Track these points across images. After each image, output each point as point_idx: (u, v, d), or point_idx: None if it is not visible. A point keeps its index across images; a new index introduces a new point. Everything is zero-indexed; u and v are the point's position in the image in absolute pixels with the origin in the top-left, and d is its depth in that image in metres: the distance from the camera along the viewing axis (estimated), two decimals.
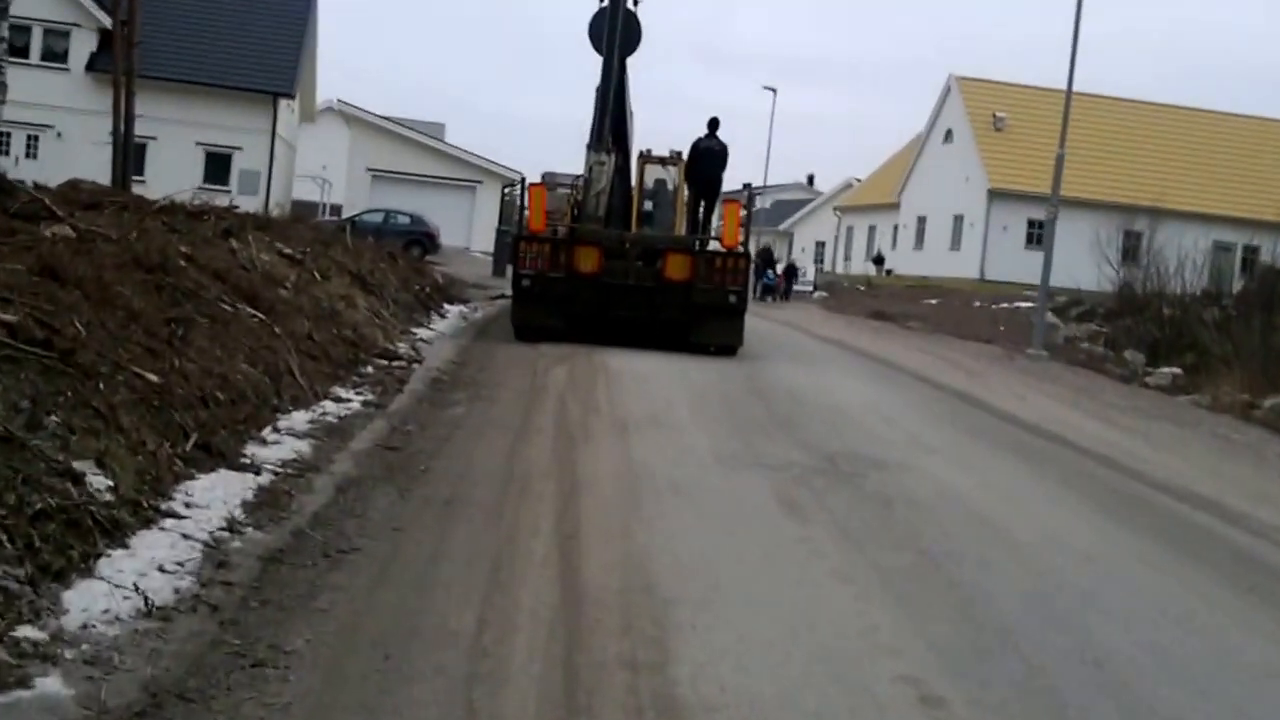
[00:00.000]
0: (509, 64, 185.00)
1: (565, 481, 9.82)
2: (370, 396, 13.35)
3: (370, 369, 15.17)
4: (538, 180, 24.20)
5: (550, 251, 20.54)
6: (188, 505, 7.85)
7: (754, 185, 58.50)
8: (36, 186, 22.74)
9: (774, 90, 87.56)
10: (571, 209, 23.14)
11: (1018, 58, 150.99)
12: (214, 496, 8.12)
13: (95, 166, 35.42)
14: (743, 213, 22.31)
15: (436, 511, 8.67)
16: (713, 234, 23.37)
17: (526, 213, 21.50)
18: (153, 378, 9.15)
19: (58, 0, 51.14)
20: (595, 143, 21.76)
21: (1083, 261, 54.50)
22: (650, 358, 19.39)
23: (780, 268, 56.70)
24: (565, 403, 14.13)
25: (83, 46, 51.26)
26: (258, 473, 8.98)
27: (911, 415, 15.42)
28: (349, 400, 12.92)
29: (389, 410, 12.72)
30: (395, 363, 16.16)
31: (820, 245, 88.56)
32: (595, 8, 22.28)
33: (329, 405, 12.35)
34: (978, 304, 44.08)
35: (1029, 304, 42.42)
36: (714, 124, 23.61)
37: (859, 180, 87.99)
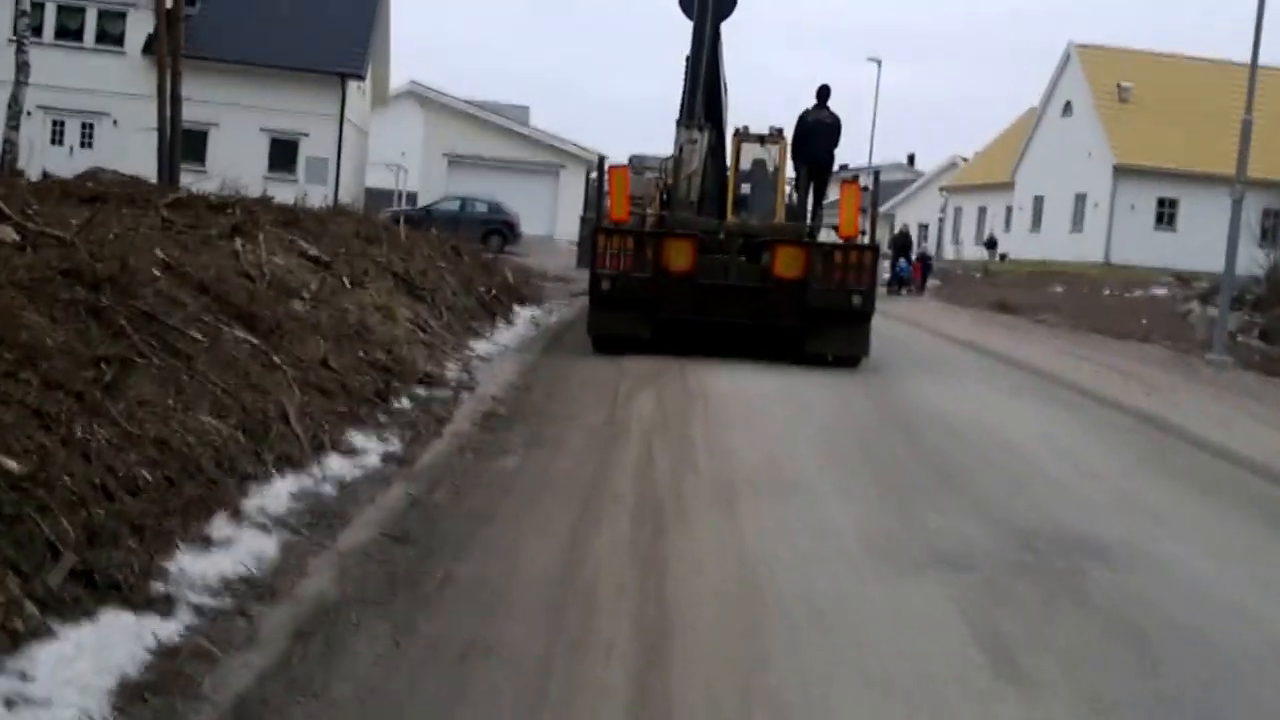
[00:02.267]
0: (601, 43, 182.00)
1: (647, 607, 6.59)
2: (395, 445, 10.29)
3: (404, 402, 12.11)
4: (622, 163, 21.17)
5: (634, 246, 17.43)
6: (9, 705, 4.75)
7: (852, 166, 55.43)
8: (45, 175, 20.00)
9: (878, 61, 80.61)
10: (660, 195, 20.19)
11: (1132, 24, 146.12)
12: (70, 676, 5.04)
13: (152, 155, 32.46)
14: (864, 197, 19.16)
15: (443, 677, 5.54)
16: (824, 222, 20.63)
17: (606, 200, 18.48)
18: (11, 465, 6.07)
19: None
20: (686, 118, 18.89)
21: (1224, 242, 51.23)
22: (756, 374, 16.26)
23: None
24: (651, 447, 10.94)
25: (140, 28, 48.23)
26: (169, 614, 5.87)
27: (1104, 456, 12.06)
28: (364, 452, 9.84)
29: (416, 466, 9.65)
30: (439, 391, 13.10)
31: (923, 228, 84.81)
32: None
33: (333, 463, 9.26)
34: (1108, 292, 40.59)
35: (1164, 291, 39.10)
36: (824, 93, 20.65)
37: (965, 159, 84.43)
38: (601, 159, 19.42)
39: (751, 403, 13.81)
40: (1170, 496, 10.40)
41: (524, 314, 22.77)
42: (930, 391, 15.76)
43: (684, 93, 19.17)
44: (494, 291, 22.46)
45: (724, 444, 11.26)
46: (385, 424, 11.00)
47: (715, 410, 13.17)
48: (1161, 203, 55.05)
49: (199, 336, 9.90)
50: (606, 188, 18.59)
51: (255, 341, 10.91)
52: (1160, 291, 39.36)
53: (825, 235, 19.75)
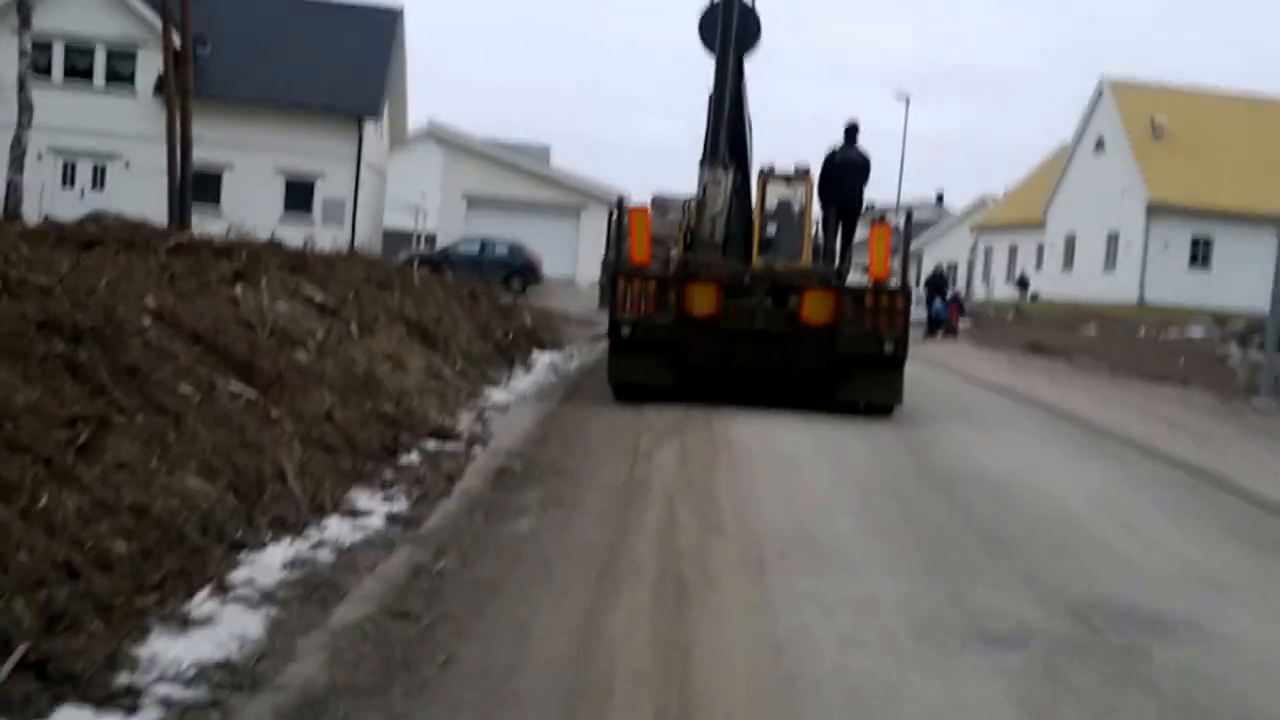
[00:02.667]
0: (625, 82, 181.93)
1: (669, 703, 5.98)
2: (401, 505, 9.71)
3: (414, 457, 11.56)
4: (643, 204, 20.63)
5: (656, 291, 16.87)
6: None
7: (879, 206, 54.25)
8: (45, 219, 19.58)
9: (907, 98, 78.10)
10: (684, 236, 19.64)
11: (1164, 61, 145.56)
12: None
13: (165, 198, 33.43)
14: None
15: None
16: (851, 264, 20.03)
17: (627, 243, 17.94)
18: None
19: (122, 17, 48.68)
20: (710, 157, 18.28)
21: (1264, 280, 50.54)
22: (785, 424, 15.66)
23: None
24: (674, 509, 10.32)
25: (150, 68, 48.20)
26: (133, 709, 5.29)
27: (1160, 517, 11.38)
28: (367, 513, 9.27)
29: (423, 529, 9.05)
30: (451, 444, 12.53)
31: (952, 268, 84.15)
32: (705, 3, 18.91)
33: (332, 526, 8.70)
34: (1143, 332, 39.95)
35: (1200, 331, 38.47)
36: (852, 131, 20.15)
37: (994, 198, 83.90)
38: (620, 200, 18.88)
39: (780, 457, 13.20)
40: (1234, 563, 9.72)
41: (543, 359, 22.24)
42: (969, 444, 15.13)
43: (707, 131, 18.58)
44: (512, 337, 21.94)
45: (752, 506, 10.64)
46: (391, 481, 10.45)
47: (742, 466, 12.57)
48: (1196, 242, 54.68)
49: (189, 391, 9.39)
50: (627, 230, 18.06)
51: (253, 395, 10.39)
52: (1196, 332, 38.73)
53: (855, 277, 19.17)
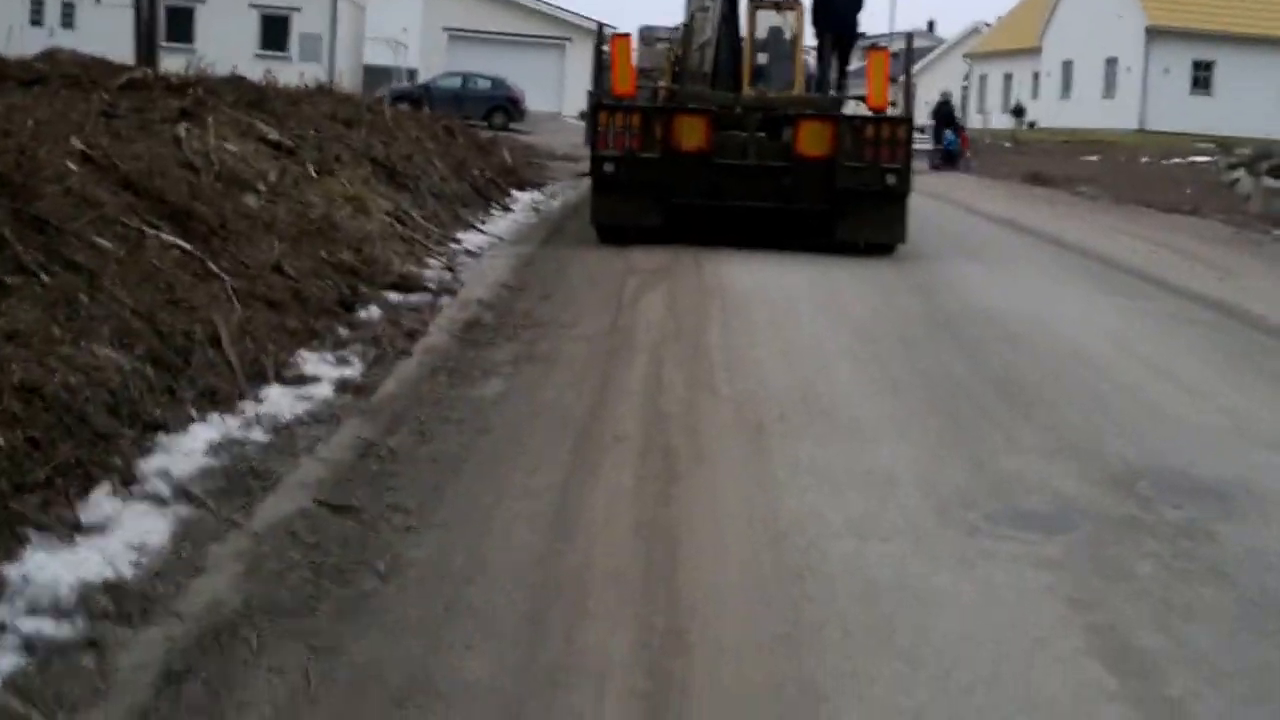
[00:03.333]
0: None
1: (653, 611, 4.95)
2: (354, 369, 8.65)
3: (373, 311, 10.45)
4: (625, 32, 19.39)
5: (641, 123, 15.65)
6: None
7: (870, 35, 52.64)
8: None
9: None
10: (671, 68, 18.46)
11: None
12: None
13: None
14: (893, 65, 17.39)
15: None
16: (848, 95, 18.88)
17: (609, 74, 16.76)
18: None
19: None
20: None
21: (1266, 107, 49.34)
22: (781, 266, 14.54)
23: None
24: (661, 365, 9.27)
25: None
26: None
27: (1193, 361, 10.33)
28: (313, 380, 8.19)
29: (376, 396, 8.01)
30: (416, 296, 11.45)
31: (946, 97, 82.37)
32: None
33: (272, 398, 7.62)
34: (1145, 160, 38.72)
35: (1205, 158, 37.27)
36: None
37: (988, 25, 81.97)
38: (600, 26, 17.56)
39: (777, 303, 12.10)
40: None
41: (524, 199, 21.07)
42: (978, 283, 14.00)
43: None
44: (489, 175, 20.75)
45: (746, 359, 9.57)
46: (345, 341, 9.37)
47: (735, 313, 11.48)
48: (1197, 65, 53.15)
49: (109, 245, 8.26)
50: (608, 60, 16.86)
51: (188, 246, 9.27)
52: (1200, 159, 37.50)
53: (852, 108, 17.99)
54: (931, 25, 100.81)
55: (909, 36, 16.94)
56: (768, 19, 18.69)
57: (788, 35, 18.63)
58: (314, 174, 13.64)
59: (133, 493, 5.79)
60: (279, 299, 9.49)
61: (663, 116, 15.82)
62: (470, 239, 15.53)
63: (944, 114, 42.20)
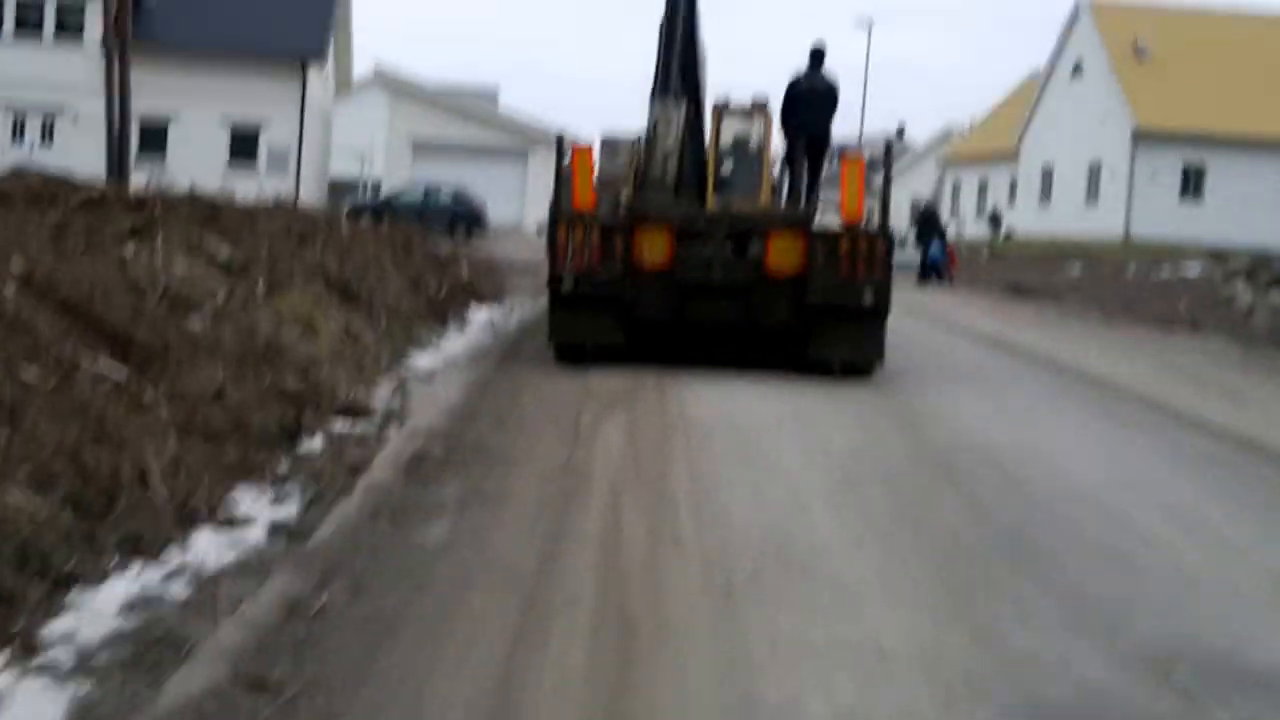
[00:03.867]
0: (577, 17, 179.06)
1: None
2: (290, 508, 8.16)
3: (316, 442, 9.97)
4: (587, 143, 19.17)
5: (600, 238, 15.23)
6: None
7: (838, 140, 51.94)
8: None
9: (869, 23, 71.65)
10: (634, 177, 18.18)
11: None
12: None
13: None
14: (870, 174, 17.08)
15: None
16: (821, 204, 18.07)
17: (569, 187, 16.48)
18: None
19: None
20: (660, 90, 16.77)
21: (1261, 214, 49.07)
22: (751, 390, 13.98)
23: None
24: (620, 509, 8.66)
25: (98, 18, 47.03)
26: None
27: (1218, 509, 9.56)
28: (247, 522, 7.67)
29: (311, 544, 7.47)
30: (363, 424, 10.99)
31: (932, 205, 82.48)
32: None
33: (200, 543, 7.10)
34: (1133, 271, 38.30)
35: (1197, 269, 36.88)
36: (818, 56, 18.61)
37: (960, 130, 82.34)
38: (560, 138, 17.24)
39: (747, 435, 11.47)
40: None
41: (481, 316, 20.60)
42: (969, 412, 13.38)
43: (658, 62, 17.11)
44: (447, 291, 20.37)
45: (714, 503, 8.89)
46: (285, 475, 8.88)
47: (701, 447, 10.85)
48: (1187, 171, 52.55)
49: (34, 377, 7.87)
50: (569, 172, 16.58)
51: (123, 375, 8.89)
52: (1193, 270, 37.21)
53: (824, 219, 17.69)
54: (901, 130, 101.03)
55: (888, 144, 16.63)
56: (734, 126, 18.54)
57: (754, 143, 18.50)
58: (263, 293, 13.29)
59: (30, 665, 5.33)
60: (218, 430, 9.09)
61: (623, 231, 15.34)
62: (424, 359, 15.06)
63: (929, 222, 41.03)
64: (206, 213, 15.81)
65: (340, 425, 10.74)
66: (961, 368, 17.40)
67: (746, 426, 11.91)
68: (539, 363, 15.67)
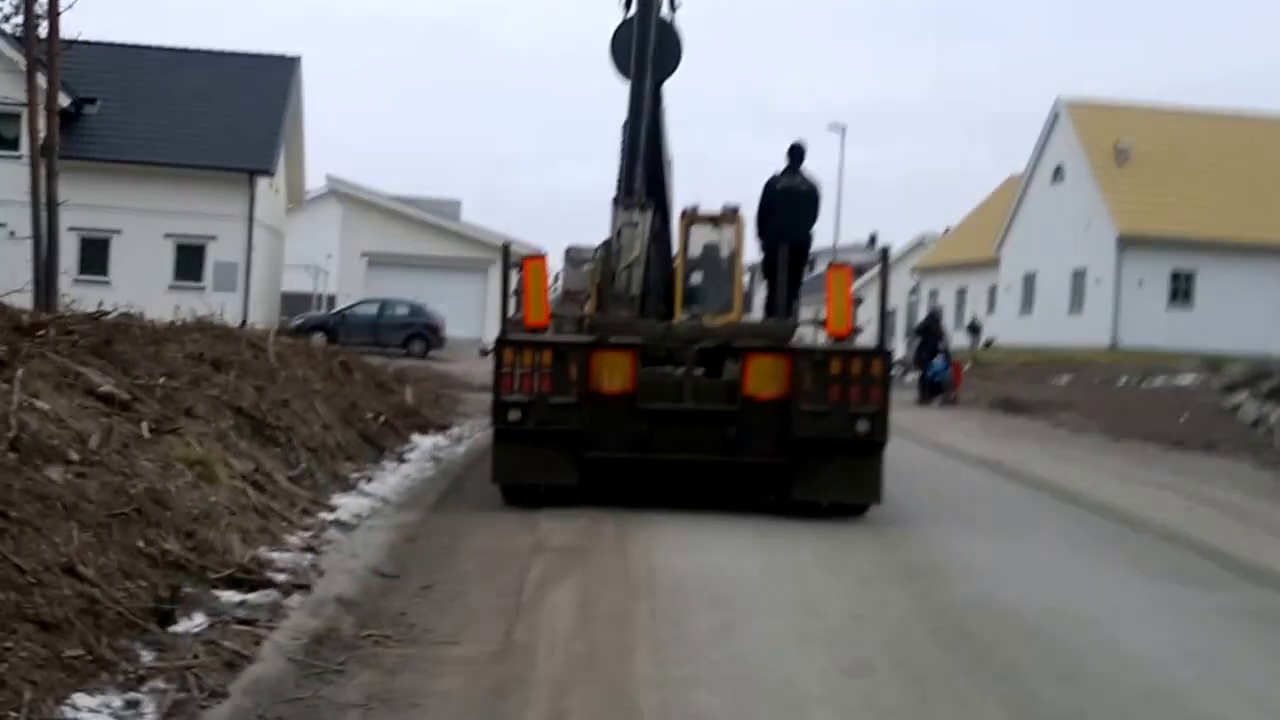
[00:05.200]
0: (540, 130, 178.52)
1: None
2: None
3: (196, 621, 8.15)
4: (539, 253, 17.55)
5: (553, 361, 13.44)
6: None
7: (818, 249, 50.09)
8: None
9: (842, 129, 67.20)
10: (596, 290, 16.53)
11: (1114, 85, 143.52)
12: None
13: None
14: (857, 281, 15.31)
15: None
16: (799, 316, 16.85)
17: (518, 302, 14.82)
18: None
19: (5, 78, 45.87)
20: (624, 196, 15.32)
21: (1254, 319, 47.74)
22: (726, 538, 12.16)
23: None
24: (566, 716, 6.91)
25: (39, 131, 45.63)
26: None
27: None
28: None
29: None
30: (258, 594, 9.13)
31: (889, 315, 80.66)
32: (619, 19, 16.39)
33: None
34: (1124, 381, 36.76)
35: (1191, 379, 35.37)
36: (797, 154, 17.09)
37: (934, 238, 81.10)
38: (506, 247, 15.39)
39: (725, 602, 9.52)
40: None
41: (425, 445, 18.71)
42: (986, 563, 11.51)
43: (621, 167, 15.68)
44: (386, 418, 18.49)
45: (687, 706, 7.03)
46: (144, 673, 7.06)
47: (669, 622, 8.91)
48: (1176, 276, 51.29)
49: None
50: (521, 286, 14.85)
51: None
52: (1186, 380, 35.66)
53: (809, 336, 16.06)
54: (873, 239, 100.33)
55: (884, 251, 14.71)
56: (703, 235, 17.05)
57: (725, 252, 16.92)
58: (149, 433, 11.40)
59: None
60: (60, 616, 7.26)
61: (579, 353, 13.54)
62: (347, 504, 13.11)
63: (931, 332, 37.17)
64: (100, 337, 13.97)
65: (229, 597, 8.90)
66: (966, 501, 15.59)
67: (725, 589, 10.03)
68: (483, 503, 13.88)
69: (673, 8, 17.08)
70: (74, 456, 9.90)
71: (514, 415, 13.39)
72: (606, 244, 15.39)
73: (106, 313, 17.17)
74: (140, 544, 9.00)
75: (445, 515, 13.30)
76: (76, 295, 31.42)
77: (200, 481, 11.00)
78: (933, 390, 34.86)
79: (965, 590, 10.35)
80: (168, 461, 11.01)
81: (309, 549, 10.80)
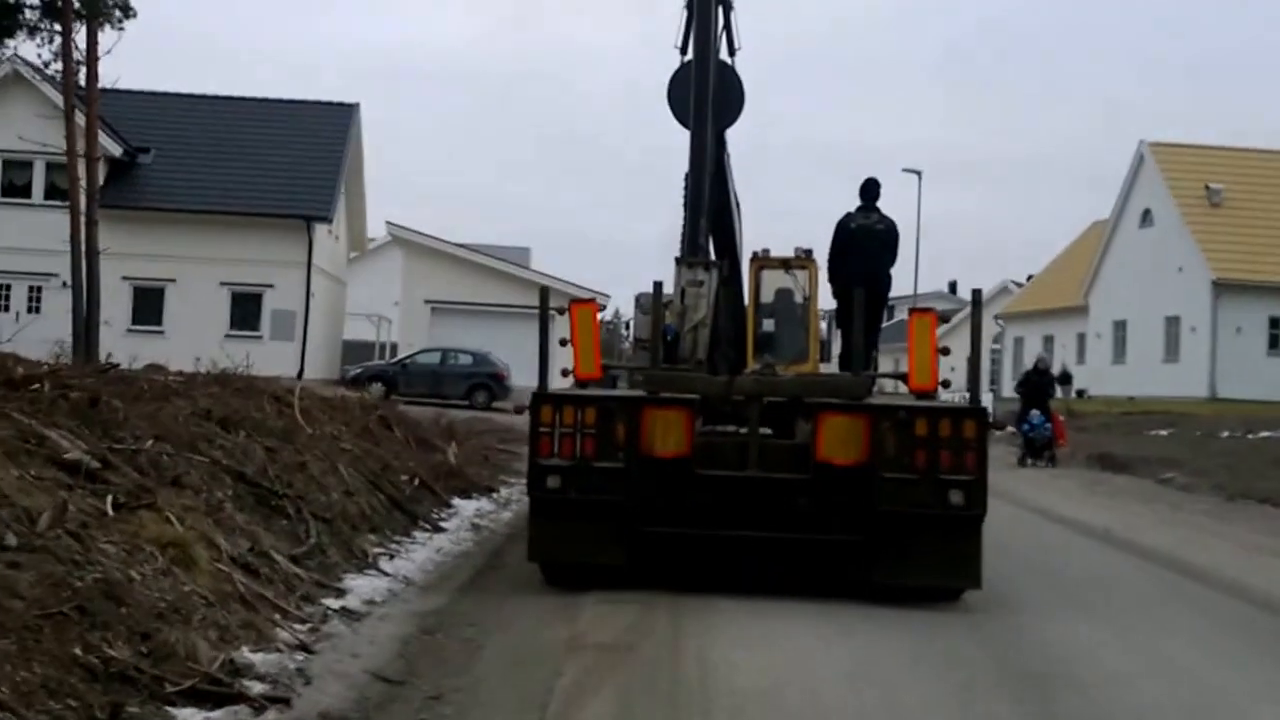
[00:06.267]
0: (613, 182, 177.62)
1: None
2: None
3: None
4: (586, 297, 16.14)
5: (597, 420, 11.66)
6: None
7: (895, 296, 48.09)
8: None
9: (918, 173, 62.84)
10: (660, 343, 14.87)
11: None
12: None
13: (107, 316, 32.67)
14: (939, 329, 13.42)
15: None
16: (877, 366, 15.57)
17: (573, 351, 13.14)
18: None
19: (59, 126, 45.41)
20: (688, 253, 13.77)
21: None
22: (801, 636, 10.25)
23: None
24: None
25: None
26: None
27: None
28: None
29: None
30: (220, 715, 7.46)
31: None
32: (677, 64, 15.41)
33: None
34: (1226, 434, 34.63)
35: None
36: (871, 191, 15.98)
37: (1018, 283, 79.16)
38: (545, 291, 13.55)
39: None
40: None
41: (467, 510, 16.93)
42: (1111, 663, 9.55)
43: (685, 221, 14.19)
44: (423, 480, 16.74)
45: None
46: None
47: None
48: (1275, 323, 49.59)
49: None
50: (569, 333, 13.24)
51: None
52: None
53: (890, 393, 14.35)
54: (953, 287, 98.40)
55: (976, 293, 12.63)
56: (775, 280, 16.44)
57: (799, 298, 16.19)
58: (114, 510, 9.73)
59: None
60: None
61: (626, 410, 11.75)
62: (360, 586, 11.32)
63: (1038, 384, 32.74)
64: (94, 392, 12.38)
65: (185, 717, 7.21)
66: (1078, 581, 13.58)
67: (794, 702, 8.20)
68: (523, 583, 12.18)
69: (731, 51, 15.95)
70: (10, 541, 8.29)
71: (553, 482, 11.63)
72: (656, 290, 13.56)
73: (114, 365, 15.81)
74: (77, 650, 7.38)
75: (475, 598, 11.54)
76: (128, 346, 30.67)
77: (174, 567, 9.30)
78: (1032, 449, 31.22)
79: (1095, 703, 8.47)
80: (135, 544, 9.33)
81: (301, 647, 9.10)
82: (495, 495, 18.54)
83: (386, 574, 12.12)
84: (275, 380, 18.78)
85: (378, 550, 13.00)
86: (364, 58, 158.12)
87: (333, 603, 10.58)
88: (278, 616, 9.69)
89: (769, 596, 11.43)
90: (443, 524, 15.58)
